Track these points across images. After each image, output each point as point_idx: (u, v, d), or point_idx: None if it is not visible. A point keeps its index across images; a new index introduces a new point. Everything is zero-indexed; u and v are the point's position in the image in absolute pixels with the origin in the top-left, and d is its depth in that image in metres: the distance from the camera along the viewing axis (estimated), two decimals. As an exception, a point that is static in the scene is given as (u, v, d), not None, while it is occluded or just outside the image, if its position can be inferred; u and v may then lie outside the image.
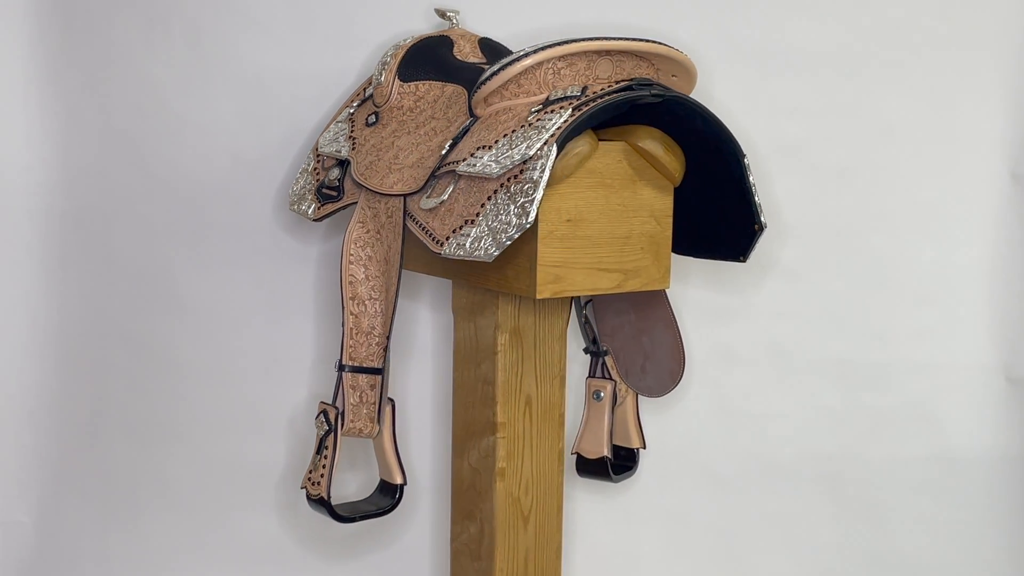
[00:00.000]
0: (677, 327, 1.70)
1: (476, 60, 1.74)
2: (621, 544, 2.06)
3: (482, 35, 1.80)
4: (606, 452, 1.80)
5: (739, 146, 1.56)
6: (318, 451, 1.65)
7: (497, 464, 1.68)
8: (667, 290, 1.69)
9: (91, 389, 2.03)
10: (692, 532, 2.05)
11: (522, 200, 1.49)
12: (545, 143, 1.49)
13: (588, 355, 1.82)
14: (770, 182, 1.96)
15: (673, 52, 1.56)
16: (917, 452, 2.01)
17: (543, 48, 1.54)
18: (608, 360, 1.80)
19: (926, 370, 2.00)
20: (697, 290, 1.98)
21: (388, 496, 1.70)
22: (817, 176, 1.97)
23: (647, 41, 1.56)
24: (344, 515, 1.66)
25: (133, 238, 1.99)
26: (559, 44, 1.54)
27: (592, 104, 1.52)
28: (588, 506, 2.04)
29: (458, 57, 1.74)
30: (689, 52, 1.92)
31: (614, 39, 1.55)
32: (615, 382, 1.80)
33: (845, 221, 1.98)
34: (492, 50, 1.77)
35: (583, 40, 1.55)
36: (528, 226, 1.48)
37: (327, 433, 1.64)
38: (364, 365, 1.64)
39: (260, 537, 2.05)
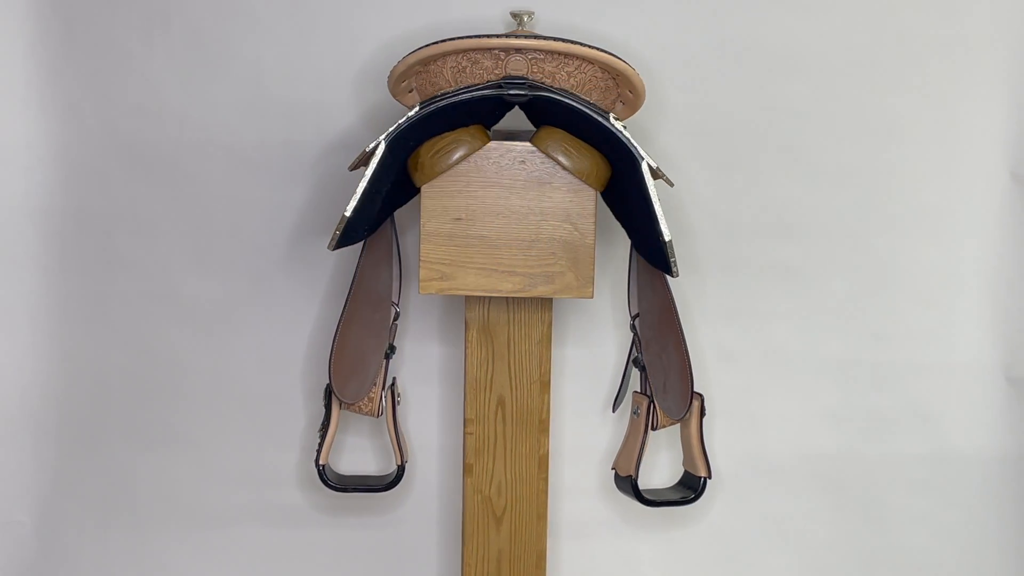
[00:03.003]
0: (685, 347, 1.68)
1: None
2: (619, 543, 2.05)
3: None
4: (632, 471, 1.74)
5: (636, 151, 1.52)
6: (321, 423, 1.78)
7: (466, 459, 1.69)
8: (677, 306, 1.68)
9: (91, 389, 2.02)
10: (692, 532, 2.05)
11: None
12: (378, 142, 1.53)
13: (638, 368, 1.80)
14: (770, 182, 1.96)
15: (573, 48, 1.54)
16: (917, 452, 2.01)
17: (418, 49, 1.56)
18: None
19: (926, 370, 2.00)
20: (696, 290, 1.98)
21: (392, 475, 1.82)
22: (817, 176, 1.97)
23: (530, 37, 1.54)
24: (333, 484, 1.79)
25: (133, 238, 1.99)
26: (431, 44, 1.56)
27: (431, 104, 1.53)
28: (585, 504, 2.04)
29: None
30: (690, 52, 1.93)
31: (485, 36, 1.55)
32: (651, 399, 1.75)
33: (845, 221, 1.97)
34: None
35: (450, 40, 1.56)
36: (347, 217, 1.54)
37: (326, 407, 1.77)
38: None
39: (260, 538, 2.04)
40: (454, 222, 1.57)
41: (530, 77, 1.55)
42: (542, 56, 1.54)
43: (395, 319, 1.81)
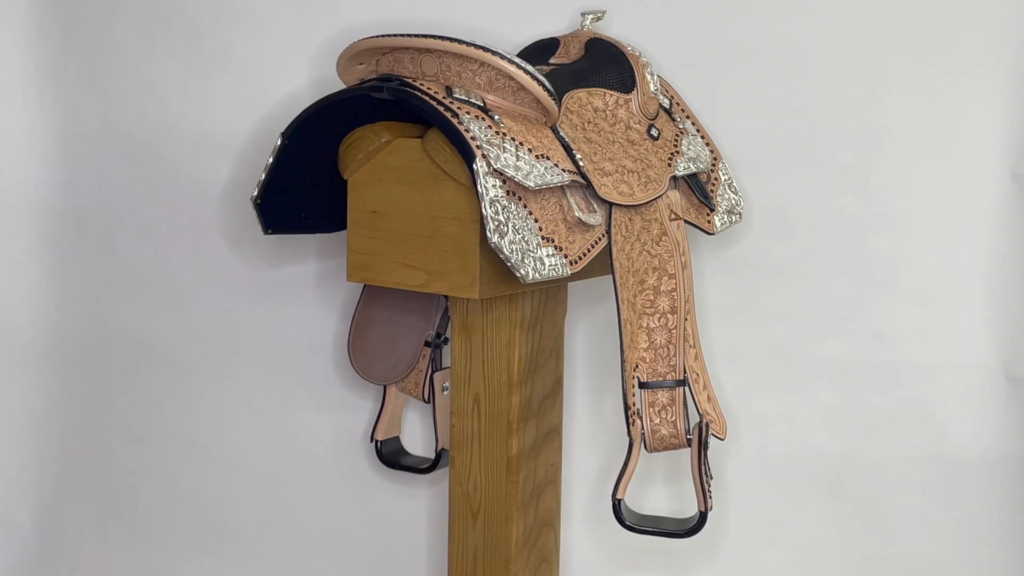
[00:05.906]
0: (623, 373, 1.64)
1: (569, 61, 1.73)
2: (618, 543, 2.06)
3: (604, 36, 1.77)
4: (617, 494, 1.65)
5: (470, 149, 1.49)
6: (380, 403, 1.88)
7: (451, 451, 1.71)
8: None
9: (91, 389, 2.03)
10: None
11: None
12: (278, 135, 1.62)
13: None
14: (770, 182, 1.96)
15: (450, 45, 1.53)
16: (917, 452, 2.01)
17: (347, 47, 1.59)
18: None
19: (926, 370, 1.99)
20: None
21: (436, 460, 1.88)
22: (817, 176, 1.97)
23: (425, 37, 1.54)
24: (388, 459, 1.89)
25: (133, 238, 1.99)
26: (352, 44, 1.59)
27: (320, 102, 1.59)
28: (584, 503, 2.04)
29: (552, 60, 1.74)
30: (689, 52, 1.93)
31: (381, 37, 1.56)
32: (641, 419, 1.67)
33: (845, 221, 1.97)
34: (598, 49, 1.74)
35: (369, 38, 1.58)
36: (256, 203, 1.62)
37: (384, 387, 1.87)
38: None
39: (260, 536, 2.05)
40: (372, 215, 1.61)
41: (439, 77, 1.55)
42: (448, 57, 1.55)
43: (445, 311, 1.81)
